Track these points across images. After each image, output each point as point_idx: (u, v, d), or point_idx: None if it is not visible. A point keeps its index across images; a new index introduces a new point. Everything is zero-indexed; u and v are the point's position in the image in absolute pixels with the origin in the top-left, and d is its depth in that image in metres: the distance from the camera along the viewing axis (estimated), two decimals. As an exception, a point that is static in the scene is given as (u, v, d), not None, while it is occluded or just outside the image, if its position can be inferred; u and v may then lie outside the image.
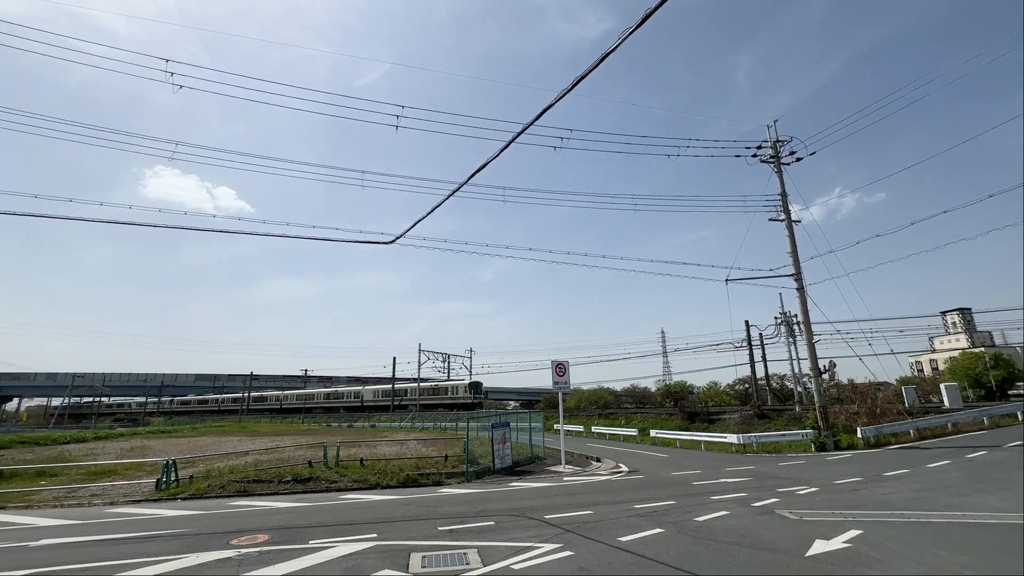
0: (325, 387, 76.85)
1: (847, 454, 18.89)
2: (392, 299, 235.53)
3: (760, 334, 41.29)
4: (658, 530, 7.66)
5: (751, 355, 40.54)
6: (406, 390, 62.76)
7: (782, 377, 49.22)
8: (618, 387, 65.69)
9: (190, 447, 23.31)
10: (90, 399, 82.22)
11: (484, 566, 6.04)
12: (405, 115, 20.29)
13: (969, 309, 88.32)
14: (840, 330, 41.05)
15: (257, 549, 6.99)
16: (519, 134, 7.97)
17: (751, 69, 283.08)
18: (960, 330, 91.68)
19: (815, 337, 23.34)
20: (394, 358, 63.42)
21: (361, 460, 15.83)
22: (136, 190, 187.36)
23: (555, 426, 35.90)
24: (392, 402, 60.93)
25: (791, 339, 39.68)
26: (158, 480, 13.04)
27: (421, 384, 60.68)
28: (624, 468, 17.13)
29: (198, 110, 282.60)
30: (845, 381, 34.36)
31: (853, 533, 7.14)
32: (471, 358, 62.12)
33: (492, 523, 8.48)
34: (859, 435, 21.01)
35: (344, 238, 16.17)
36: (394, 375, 65.76)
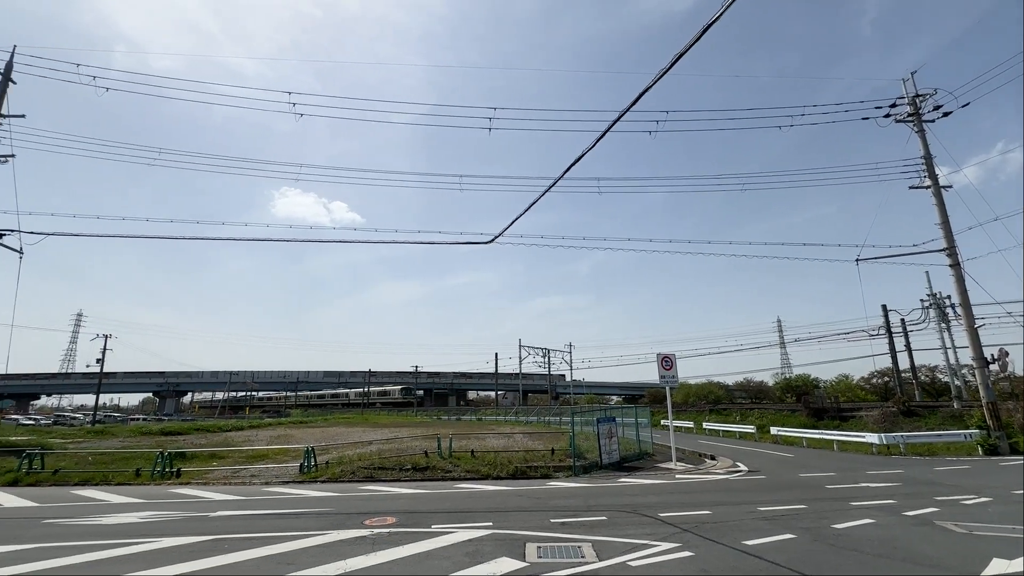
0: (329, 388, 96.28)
1: (1028, 459, 15.83)
2: (491, 296, 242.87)
3: (902, 320, 36.16)
4: (788, 535, 7.05)
5: (891, 344, 35.64)
6: (369, 392, 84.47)
7: (932, 369, 42.77)
8: (729, 381, 61.52)
9: (324, 436, 26.07)
10: (243, 393, 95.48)
11: (600, 561, 6.01)
12: (497, 116, 20.77)
13: None
14: (1011, 312, 34.18)
15: (387, 530, 7.63)
16: (615, 122, 7.76)
17: (880, 15, 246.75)
18: None
19: (977, 321, 19.84)
20: (496, 354, 65.67)
21: (472, 452, 16.55)
22: (267, 210, 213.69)
23: (662, 422, 34.58)
24: (363, 400, 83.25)
25: (943, 324, 34.26)
26: (301, 464, 14.78)
27: (374, 389, 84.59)
28: (743, 467, 15.99)
29: (312, 132, 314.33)
30: (1021, 372, 28.91)
31: (1045, 553, 5.97)
32: (571, 353, 61.99)
33: (604, 518, 8.40)
34: (1045, 437, 17.50)
35: (446, 240, 17.04)
36: (496, 371, 68.10)
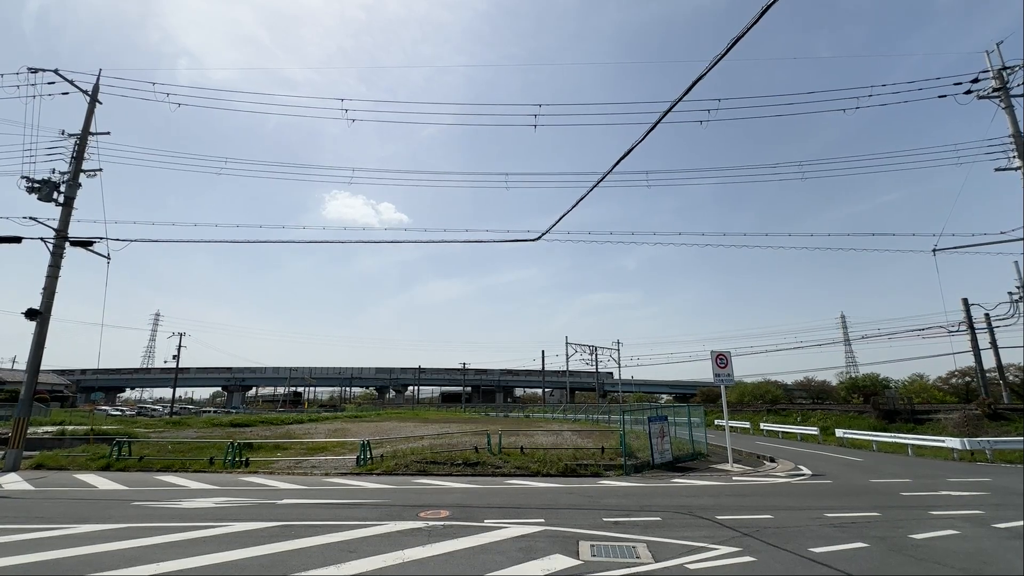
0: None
1: None
2: (537, 293, 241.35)
3: (986, 315, 33.15)
4: (860, 544, 6.64)
5: (974, 341, 32.77)
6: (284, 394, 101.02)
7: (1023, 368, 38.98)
8: (788, 380, 58.64)
9: (378, 430, 27.00)
10: (301, 388, 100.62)
11: (655, 562, 5.90)
12: (542, 113, 20.73)
13: None
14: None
15: (441, 523, 7.81)
16: (665, 114, 7.53)
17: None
18: None
19: (1078, 316, 17.86)
20: (543, 351, 65.67)
21: (521, 448, 16.64)
22: (319, 213, 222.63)
23: (716, 421, 33.45)
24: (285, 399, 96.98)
25: (1037, 319, 31.06)
26: (358, 457, 15.37)
27: (283, 390, 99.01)
28: (806, 471, 15.20)
29: (360, 135, 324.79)
30: None
31: None
32: (619, 350, 61.03)
33: (658, 519, 8.23)
34: None
35: (493, 239, 17.25)
36: (543, 368, 68.06)
